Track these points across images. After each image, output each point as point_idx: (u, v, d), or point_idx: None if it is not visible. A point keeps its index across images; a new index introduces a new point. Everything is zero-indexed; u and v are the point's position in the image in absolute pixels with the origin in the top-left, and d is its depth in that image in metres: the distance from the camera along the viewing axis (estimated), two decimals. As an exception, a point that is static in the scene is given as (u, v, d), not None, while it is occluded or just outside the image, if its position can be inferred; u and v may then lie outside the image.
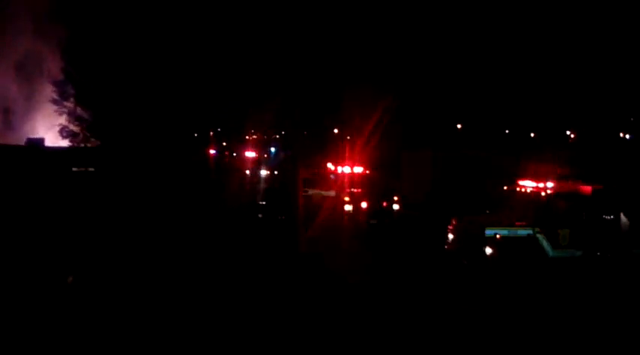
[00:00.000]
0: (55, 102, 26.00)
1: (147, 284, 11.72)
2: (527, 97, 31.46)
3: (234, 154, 37.24)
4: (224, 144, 37.77)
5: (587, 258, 13.50)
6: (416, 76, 29.33)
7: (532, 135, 33.85)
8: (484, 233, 13.44)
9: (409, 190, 22.36)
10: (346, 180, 24.08)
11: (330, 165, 25.76)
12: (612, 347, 9.15)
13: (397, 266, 14.63)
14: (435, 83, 30.22)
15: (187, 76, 26.76)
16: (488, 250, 13.27)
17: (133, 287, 11.52)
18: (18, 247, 13.98)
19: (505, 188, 15.69)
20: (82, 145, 25.69)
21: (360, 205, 22.56)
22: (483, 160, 20.46)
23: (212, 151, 33.60)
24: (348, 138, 29.80)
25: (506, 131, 33.80)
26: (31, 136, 27.34)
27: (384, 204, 22.34)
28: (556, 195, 14.10)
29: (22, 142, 27.09)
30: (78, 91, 26.01)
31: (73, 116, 25.88)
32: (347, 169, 24.48)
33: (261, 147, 34.24)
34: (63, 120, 25.89)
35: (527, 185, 14.91)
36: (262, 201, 24.46)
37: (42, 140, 27.01)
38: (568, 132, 32.99)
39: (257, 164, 31.21)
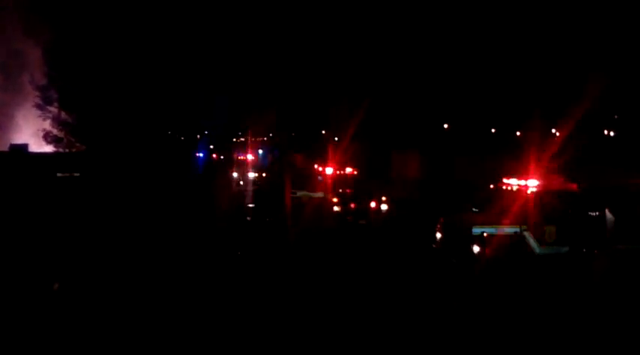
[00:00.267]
0: (38, 107, 25.68)
1: (135, 288, 11.63)
2: (513, 97, 31.75)
3: (222, 157, 37.13)
4: (211, 147, 37.64)
5: (574, 255, 13.63)
6: (403, 77, 29.47)
7: (517, 133, 34.17)
8: (471, 231, 13.51)
9: (397, 190, 22.46)
10: (334, 181, 24.09)
11: (318, 167, 25.76)
12: (599, 342, 9.23)
13: (386, 265, 14.66)
14: (422, 84, 30.39)
15: (174, 79, 26.60)
16: (476, 248, 13.35)
17: (120, 291, 11.43)
18: (3, 253, 13.82)
19: (491, 186, 15.79)
20: (67, 150, 25.38)
21: (348, 206, 22.60)
22: (470, 158, 20.62)
23: (199, 154, 33.46)
24: (336, 139, 29.83)
25: (492, 130, 34.09)
26: (15, 142, 27.03)
27: (373, 204, 22.39)
28: (542, 192, 14.21)
29: (6, 148, 26.79)
30: (62, 96, 25.71)
31: (56, 121, 25.58)
32: (335, 170, 24.50)
33: (248, 149, 34.14)
34: (47, 125, 25.57)
35: (513, 183, 15.01)
36: (250, 203, 24.41)
37: (26, 146, 26.69)
38: (553, 131, 33.32)
39: (245, 167, 31.13)
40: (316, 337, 9.22)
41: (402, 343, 9.17)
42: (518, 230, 13.62)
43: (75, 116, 25.52)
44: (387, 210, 21.99)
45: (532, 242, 13.60)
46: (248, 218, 22.30)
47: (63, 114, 25.58)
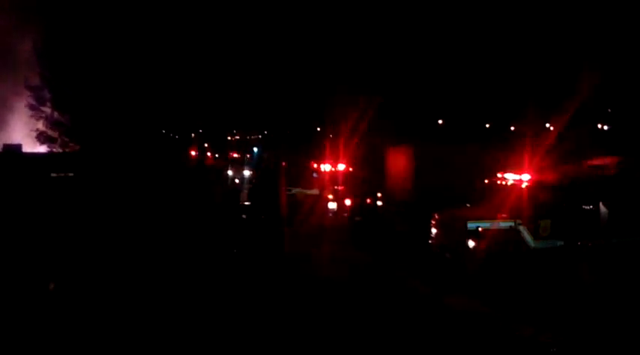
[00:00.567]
0: (31, 107, 25.49)
1: (129, 287, 11.60)
2: (507, 91, 31.80)
3: (217, 155, 37.03)
4: (206, 145, 37.50)
5: (568, 248, 13.69)
6: (397, 73, 29.45)
7: (512, 128, 34.21)
8: (466, 226, 13.54)
9: (393, 186, 22.42)
10: (329, 178, 24.05)
11: (313, 164, 25.70)
12: (594, 334, 9.28)
13: (382, 261, 14.70)
14: (416, 79, 30.39)
15: (167, 77, 26.48)
16: (471, 243, 13.38)
17: (115, 290, 11.40)
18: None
19: (486, 181, 15.80)
20: (61, 150, 25.23)
21: (343, 202, 22.58)
22: (464, 154, 20.60)
23: (193, 153, 33.35)
24: (331, 136, 29.80)
25: (487, 125, 34.13)
26: (8, 142, 26.90)
27: (368, 200, 22.38)
28: (536, 186, 14.25)
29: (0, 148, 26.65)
30: (55, 96, 25.54)
31: (50, 121, 25.40)
32: (330, 167, 24.47)
33: (243, 147, 34.08)
34: (40, 125, 25.40)
35: (508, 177, 15.04)
36: (246, 201, 24.36)
37: (19, 146, 26.57)
38: (548, 125, 33.39)
39: (240, 164, 31.07)
40: (310, 332, 9.23)
41: (395, 337, 9.19)
42: (512, 224, 13.66)
43: (68, 116, 25.34)
44: (382, 207, 21.99)
45: (527, 236, 13.64)
46: (243, 216, 22.25)
47: (56, 115, 25.39)
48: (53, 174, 22.75)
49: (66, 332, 9.22)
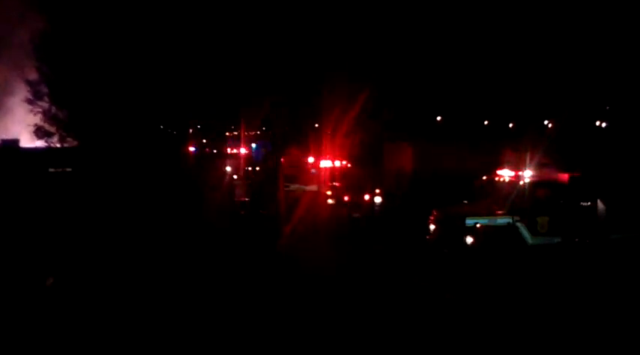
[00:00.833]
0: (29, 101, 25.39)
1: (128, 282, 11.61)
2: (505, 88, 31.82)
3: (215, 151, 36.99)
4: (204, 141, 37.47)
5: (566, 245, 13.74)
6: (395, 69, 29.39)
7: (510, 125, 34.27)
8: (464, 222, 13.59)
9: (391, 182, 22.46)
10: (328, 174, 24.04)
11: (311, 160, 25.69)
12: (592, 331, 9.32)
13: (380, 257, 14.72)
14: (414, 75, 30.35)
15: (165, 72, 26.38)
16: (469, 239, 13.42)
17: (113, 286, 11.41)
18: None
19: (484, 178, 15.85)
20: (59, 145, 25.15)
21: (342, 199, 22.59)
22: (462, 150, 20.66)
23: (192, 148, 33.31)
24: (329, 132, 29.78)
25: (485, 122, 34.16)
26: (5, 137, 26.81)
27: (367, 196, 22.40)
28: (534, 183, 14.30)
29: (-3, 143, 26.58)
30: (52, 90, 25.43)
31: (48, 116, 25.30)
32: (328, 163, 24.46)
33: (241, 143, 34.02)
34: (38, 120, 25.31)
35: (506, 174, 15.09)
36: (244, 197, 24.34)
37: (17, 141, 26.50)
38: (546, 122, 33.43)
39: (238, 160, 31.01)
40: (309, 331, 9.24)
41: (395, 335, 9.21)
42: (510, 221, 13.70)
43: (66, 111, 25.24)
44: (380, 203, 22.01)
45: (525, 232, 13.70)
46: (242, 212, 22.26)
47: (54, 109, 25.28)
48: (51, 170, 22.72)
49: (64, 328, 9.23)
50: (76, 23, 25.53)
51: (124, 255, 13.66)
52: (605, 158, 21.80)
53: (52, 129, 25.26)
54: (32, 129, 25.43)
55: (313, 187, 23.54)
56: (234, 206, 22.91)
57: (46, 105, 25.47)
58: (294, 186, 23.49)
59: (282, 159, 26.85)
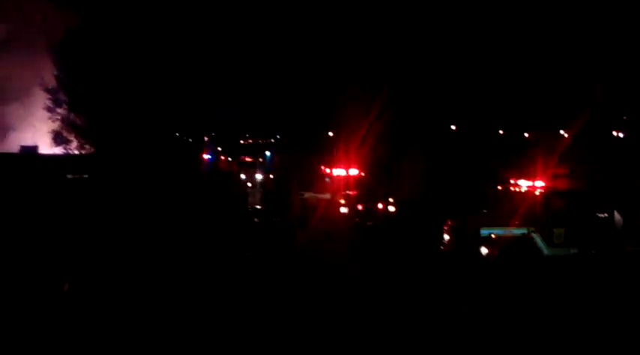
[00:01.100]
0: (48, 109, 25.87)
1: (144, 288, 11.72)
2: (521, 97, 31.64)
3: (230, 159, 37.23)
4: (219, 148, 37.77)
5: (582, 256, 13.59)
6: (409, 77, 29.40)
7: (526, 135, 34.00)
8: (479, 233, 13.52)
9: (405, 191, 22.38)
10: (341, 182, 24.08)
11: (324, 168, 25.77)
12: (608, 344, 9.20)
13: (394, 266, 14.66)
14: (429, 84, 30.32)
15: (181, 81, 26.71)
16: (484, 250, 13.34)
17: (129, 292, 11.53)
18: (13, 253, 13.98)
19: (499, 187, 15.77)
20: (77, 152, 25.55)
21: (355, 207, 22.60)
22: (477, 160, 20.57)
23: (207, 156, 33.58)
24: (342, 140, 29.84)
25: (500, 131, 33.95)
26: (25, 144, 27.31)
27: (380, 205, 22.37)
28: (550, 193, 14.21)
29: (16, 149, 27.08)
30: (71, 98, 25.89)
31: (66, 123, 25.74)
32: (341, 172, 24.50)
33: (255, 151, 34.22)
34: (56, 127, 25.76)
35: (521, 184, 15.01)
36: (258, 205, 24.47)
37: (36, 147, 26.97)
38: (562, 132, 33.14)
39: (252, 168, 31.19)
40: (321, 339, 9.24)
41: (408, 345, 9.17)
42: (526, 231, 13.61)
43: (84, 118, 25.66)
44: (394, 212, 21.95)
45: (540, 243, 13.59)
46: (256, 219, 22.37)
47: (72, 116, 25.72)
48: (69, 176, 23.07)
49: (82, 330, 9.35)
50: (94, 32, 26.02)
51: (139, 261, 13.81)
52: (622, 168, 21.55)
53: (71, 136, 25.68)
54: (51, 135, 25.86)
55: (327, 195, 23.60)
56: (248, 213, 23.05)
57: (64, 112, 25.93)
58: (307, 194, 23.58)
59: (295, 167, 26.97)
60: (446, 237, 14.81)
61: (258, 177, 29.87)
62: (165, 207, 20.32)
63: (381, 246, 17.46)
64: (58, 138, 25.58)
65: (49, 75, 26.41)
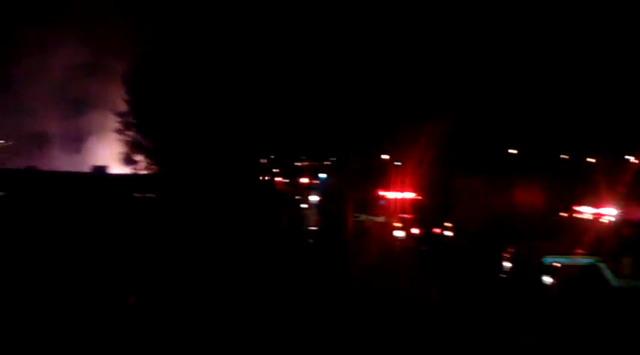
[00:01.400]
0: (118, 131, 27.46)
1: (208, 306, 12.12)
2: (584, 121, 30.53)
3: (286, 181, 37.86)
4: (275, 170, 38.47)
5: (654, 289, 12.91)
6: (467, 99, 29.05)
7: (590, 159, 32.63)
8: (541, 261, 13.14)
9: (463, 216, 21.99)
10: (396, 205, 23.98)
11: (380, 191, 25.76)
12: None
13: (452, 294, 14.42)
14: (489, 106, 29.82)
15: (242, 105, 27.65)
16: (546, 279, 12.94)
17: (193, 305, 11.96)
18: (82, 266, 14.85)
19: (562, 214, 15.30)
20: (143, 172, 26.87)
21: (411, 231, 22.40)
22: (540, 185, 19.97)
23: (266, 177, 34.30)
24: (398, 163, 29.74)
25: (562, 156, 32.76)
26: (97, 164, 29.14)
27: (437, 230, 22.08)
28: (619, 222, 13.65)
29: (88, 169, 28.93)
30: (139, 121, 27.37)
31: (134, 144, 27.18)
32: (397, 195, 24.41)
33: (311, 173, 34.65)
34: (125, 148, 27.25)
35: (586, 211, 14.51)
36: (313, 226, 24.72)
37: (106, 167, 28.70)
38: (628, 157, 31.63)
39: (308, 190, 31.60)
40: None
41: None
42: (592, 261, 13.10)
43: (150, 140, 27.00)
44: (450, 237, 21.59)
45: (608, 274, 13.02)
46: (310, 240, 22.61)
47: (140, 138, 27.13)
48: (136, 194, 24.32)
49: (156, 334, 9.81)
50: (162, 60, 27.49)
51: (202, 277, 14.30)
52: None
53: (138, 157, 27.04)
54: (121, 156, 27.37)
55: (381, 218, 23.55)
56: (303, 235, 23.32)
57: (133, 134, 27.38)
58: (362, 217, 23.61)
59: (350, 190, 27.09)
60: (506, 264, 14.47)
61: (313, 198, 30.21)
62: (226, 226, 20.93)
63: (437, 272, 17.21)
64: (126, 159, 27.00)
65: (119, 99, 28.10)
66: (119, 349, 9.76)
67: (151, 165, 26.68)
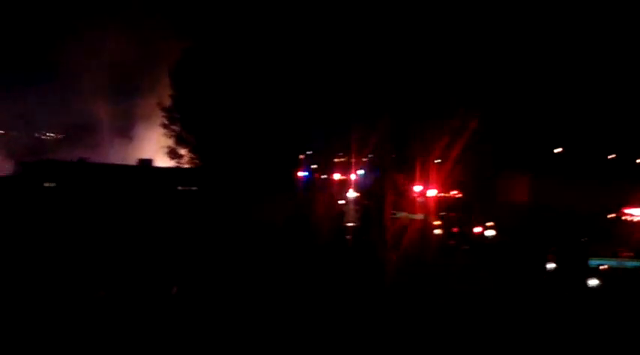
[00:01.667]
0: (163, 126, 28.18)
1: (243, 295, 12.40)
2: (635, 121, 29.41)
3: (324, 176, 38.02)
4: (314, 166, 38.64)
5: None
6: (513, 98, 28.44)
7: (638, 161, 31.41)
8: (587, 263, 12.85)
9: (505, 215, 21.63)
10: (435, 203, 23.79)
11: (418, 188, 25.59)
12: None
13: (494, 295, 14.26)
14: (534, 104, 29.11)
15: (283, 102, 27.92)
16: (593, 281, 12.66)
17: (235, 301, 12.27)
18: (129, 255, 15.41)
19: (610, 216, 14.89)
20: (187, 166, 27.50)
21: (450, 229, 22.20)
22: (586, 186, 19.43)
23: (304, 174, 34.54)
24: (438, 161, 29.42)
25: (610, 156, 31.66)
26: (142, 157, 30.12)
27: (478, 229, 21.81)
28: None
29: (134, 162, 29.97)
30: (183, 117, 28.00)
31: (178, 139, 27.84)
32: (436, 192, 24.21)
33: (349, 169, 34.69)
34: (170, 142, 27.97)
35: (634, 213, 14.07)
36: (351, 222, 24.80)
37: (151, 160, 29.62)
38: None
39: (345, 186, 31.68)
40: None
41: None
42: (641, 264, 12.72)
43: (194, 135, 27.59)
44: (492, 236, 21.26)
45: (658, 278, 12.61)
46: (348, 236, 22.73)
47: (184, 133, 27.77)
48: (179, 187, 24.99)
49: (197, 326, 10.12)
50: (206, 55, 28.04)
51: (240, 271, 14.62)
52: None
53: (182, 152, 27.69)
54: (165, 150, 28.12)
55: (420, 216, 23.41)
56: (342, 231, 23.44)
57: (177, 129, 28.04)
58: (400, 214, 23.54)
59: (389, 187, 27.00)
60: (549, 265, 14.21)
61: (351, 195, 30.26)
62: (264, 222, 21.27)
63: (478, 272, 17.02)
64: (171, 153, 27.69)
65: (165, 95, 28.84)
66: (160, 334, 10.11)
67: (194, 159, 27.26)
